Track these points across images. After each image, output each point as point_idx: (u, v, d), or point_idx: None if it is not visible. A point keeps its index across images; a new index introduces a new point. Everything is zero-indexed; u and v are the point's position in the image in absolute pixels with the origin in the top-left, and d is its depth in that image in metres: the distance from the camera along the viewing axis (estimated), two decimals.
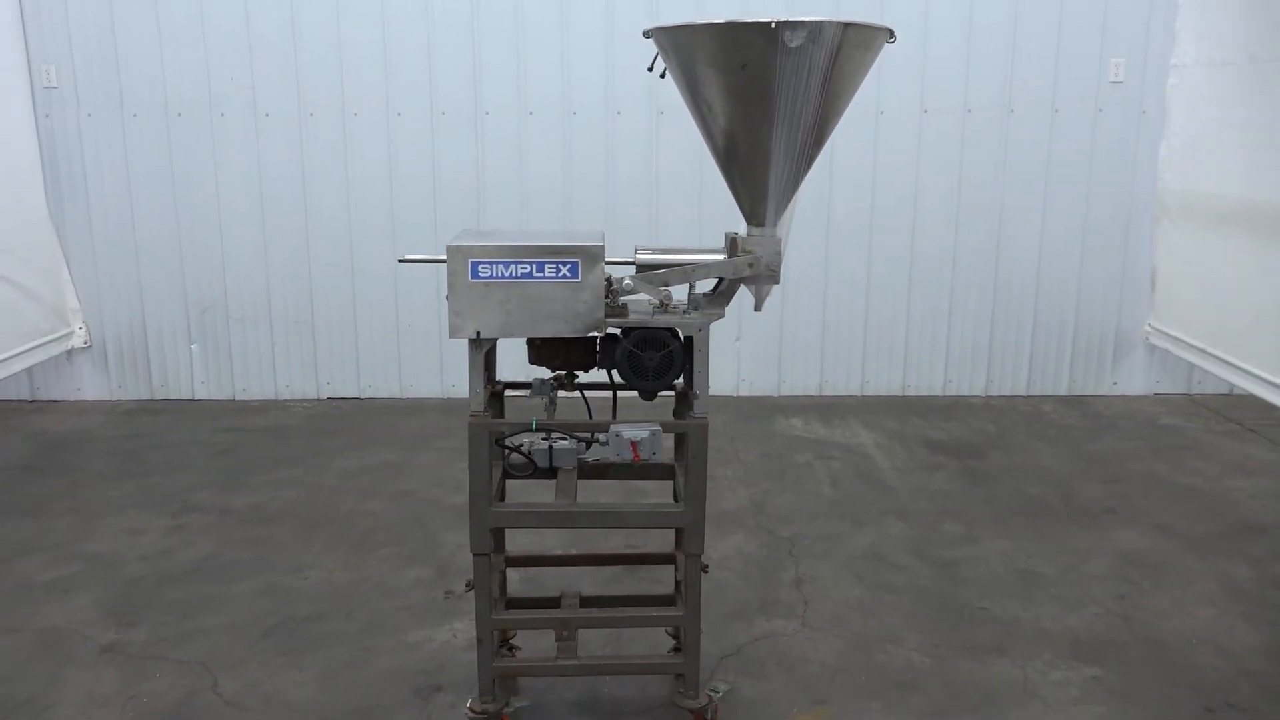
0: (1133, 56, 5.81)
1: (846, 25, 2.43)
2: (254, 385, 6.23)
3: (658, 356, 2.66)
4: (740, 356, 6.16)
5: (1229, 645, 3.38)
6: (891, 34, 2.59)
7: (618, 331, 2.67)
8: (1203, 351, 5.45)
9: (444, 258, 2.59)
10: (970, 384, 6.20)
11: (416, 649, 3.36)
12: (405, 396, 6.22)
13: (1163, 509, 4.49)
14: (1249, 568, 3.93)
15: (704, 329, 2.67)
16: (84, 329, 6.13)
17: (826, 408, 6.00)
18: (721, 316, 2.75)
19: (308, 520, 4.42)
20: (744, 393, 6.20)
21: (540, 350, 2.74)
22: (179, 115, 5.89)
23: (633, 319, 2.65)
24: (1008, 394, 6.20)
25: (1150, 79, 5.82)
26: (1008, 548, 4.12)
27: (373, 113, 5.88)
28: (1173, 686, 3.14)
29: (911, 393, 6.21)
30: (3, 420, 5.85)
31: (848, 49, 2.47)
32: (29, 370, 5.93)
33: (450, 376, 6.19)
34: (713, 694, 2.95)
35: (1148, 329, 6.04)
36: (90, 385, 6.24)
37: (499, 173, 5.93)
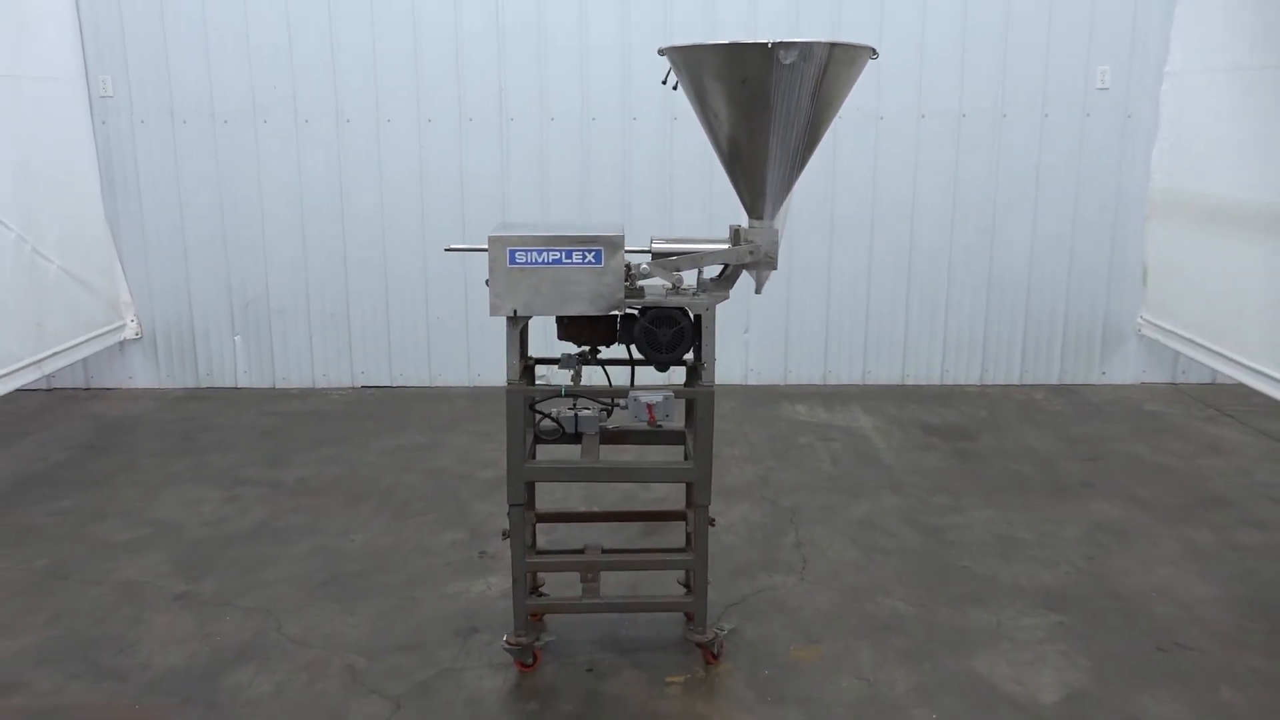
0: (1117, 65, 6.18)
1: (833, 45, 2.82)
2: (293, 374, 6.66)
3: (671, 332, 3.06)
4: (749, 348, 6.55)
5: (1183, 597, 3.75)
6: (874, 52, 2.99)
7: (636, 310, 3.07)
8: (1190, 341, 5.79)
9: (485, 247, 3.01)
10: (966, 373, 6.58)
11: (455, 598, 3.77)
12: (434, 385, 6.64)
13: (1137, 483, 4.86)
14: (1211, 533, 4.30)
15: (711, 308, 3.07)
16: (135, 321, 6.57)
17: (830, 395, 6.38)
18: (726, 298, 3.15)
19: (351, 492, 4.84)
20: (752, 382, 6.59)
21: (568, 327, 3.15)
22: (225, 122, 6.33)
23: (649, 299, 3.05)
24: (1001, 383, 6.57)
25: (1134, 86, 6.19)
26: (991, 516, 4.50)
27: (405, 119, 6.31)
28: (1129, 630, 3.52)
29: (910, 382, 6.59)
30: (62, 406, 6.29)
31: (835, 65, 2.86)
32: (84, 360, 6.36)
33: (476, 366, 6.60)
34: (719, 631, 3.35)
35: (1140, 321, 6.39)
36: (141, 374, 6.68)
37: (522, 175, 6.34)
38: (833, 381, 6.60)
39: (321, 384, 6.66)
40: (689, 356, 3.20)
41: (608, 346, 3.21)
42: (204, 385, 6.68)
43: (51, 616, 3.67)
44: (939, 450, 5.37)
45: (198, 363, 6.66)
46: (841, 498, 4.72)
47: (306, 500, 4.74)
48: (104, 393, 6.59)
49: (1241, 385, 5.28)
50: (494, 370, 6.58)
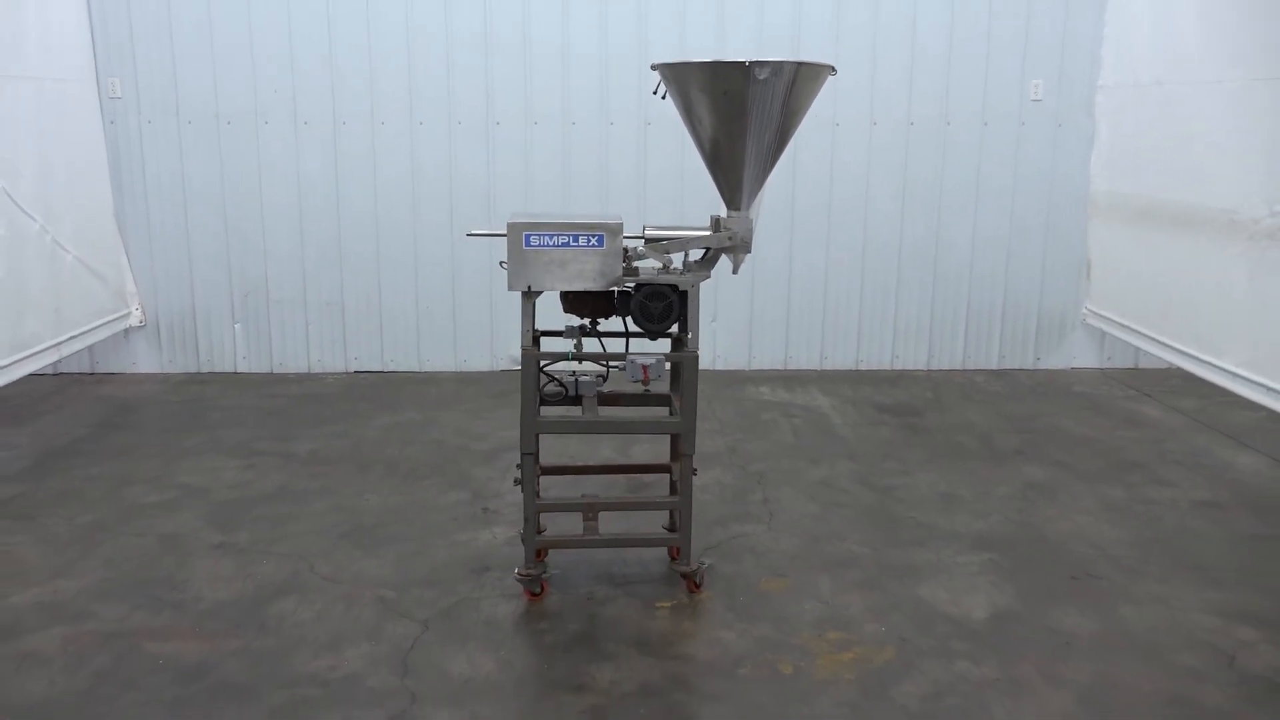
0: (1049, 79, 6.84)
1: (800, 64, 3.37)
2: (290, 360, 7.09)
3: (662, 305, 3.60)
4: (716, 335, 7.10)
5: (1096, 540, 4.36)
6: (833, 69, 3.55)
7: (631, 287, 3.60)
8: (1129, 329, 6.40)
9: (504, 232, 3.53)
10: (914, 359, 7.19)
11: (466, 545, 4.27)
12: (423, 370, 7.11)
13: (1063, 451, 5.49)
14: (1123, 490, 4.93)
15: (695, 285, 3.62)
16: (140, 310, 6.96)
17: (790, 378, 6.96)
18: (708, 277, 3.69)
19: (358, 461, 5.31)
20: (719, 366, 7.15)
21: (573, 301, 3.67)
22: (228, 123, 6.76)
23: (643, 277, 3.59)
24: (946, 368, 7.19)
25: (1064, 98, 6.85)
26: (934, 478, 5.09)
27: (398, 122, 6.78)
28: (1049, 564, 4.12)
29: (864, 366, 7.19)
30: (72, 389, 6.67)
31: (801, 80, 3.42)
32: (90, 347, 6.74)
33: (463, 353, 7.09)
34: (701, 564, 3.88)
35: (1085, 311, 7.02)
36: (144, 360, 7.08)
37: (507, 174, 6.84)
38: (793, 366, 7.17)
39: (317, 369, 7.10)
40: (674, 329, 3.74)
41: (606, 319, 3.74)
42: (205, 370, 7.08)
43: (104, 563, 4.11)
44: (889, 425, 5.96)
45: (199, 349, 7.07)
46: (803, 463, 5.28)
47: (319, 469, 5.21)
48: (109, 377, 6.98)
49: (1163, 368, 5.89)
50: (479, 356, 7.08)
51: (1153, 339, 6.10)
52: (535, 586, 3.77)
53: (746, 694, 3.22)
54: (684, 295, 3.62)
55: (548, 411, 3.78)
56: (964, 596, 3.85)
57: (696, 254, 3.74)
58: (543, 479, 3.95)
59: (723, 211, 3.69)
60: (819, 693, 3.22)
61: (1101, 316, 6.84)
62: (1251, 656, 3.45)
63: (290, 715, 3.09)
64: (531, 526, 3.70)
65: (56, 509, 4.64)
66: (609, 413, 3.89)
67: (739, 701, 3.18)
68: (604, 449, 5.32)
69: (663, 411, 3.99)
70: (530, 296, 3.57)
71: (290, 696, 3.19)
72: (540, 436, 3.70)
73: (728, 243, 3.64)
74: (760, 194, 3.66)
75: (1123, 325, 6.52)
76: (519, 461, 3.71)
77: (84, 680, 3.28)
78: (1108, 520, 4.57)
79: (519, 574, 3.76)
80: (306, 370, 7.10)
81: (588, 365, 3.76)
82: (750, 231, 3.66)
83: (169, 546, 4.27)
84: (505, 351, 7.05)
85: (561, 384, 3.76)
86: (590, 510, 3.77)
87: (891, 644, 3.52)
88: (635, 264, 3.61)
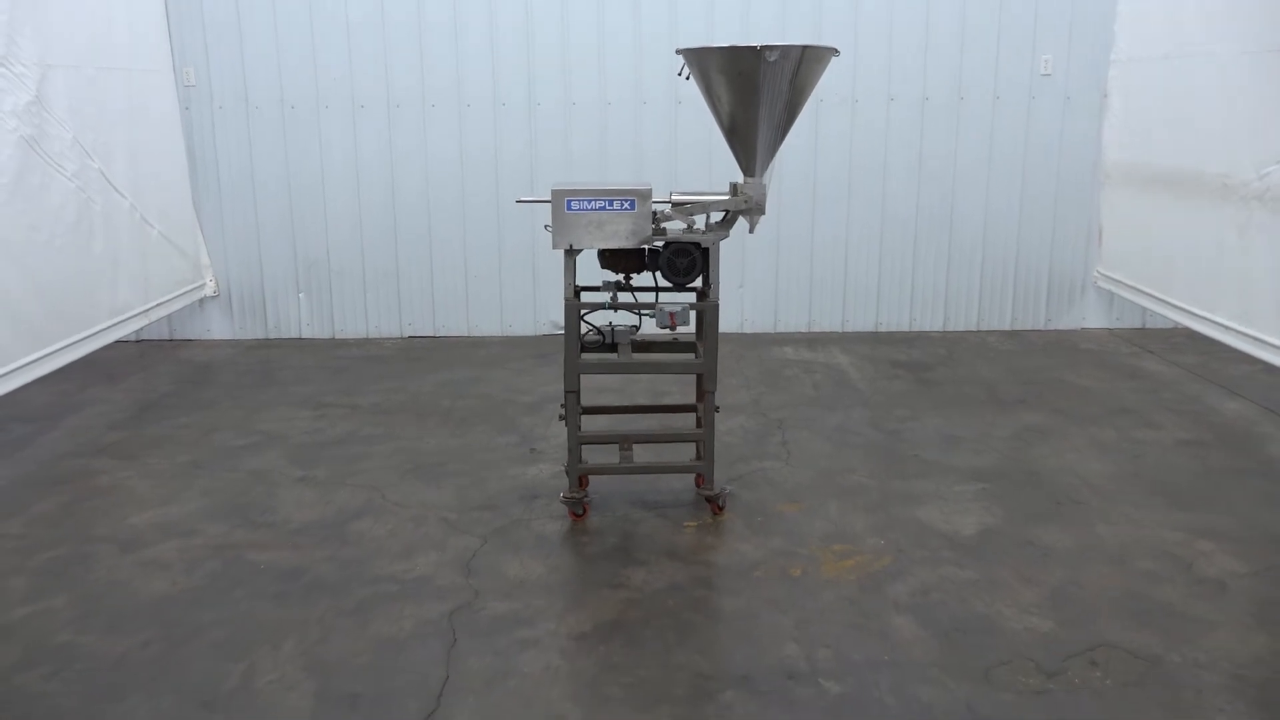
0: (1058, 54, 7.23)
1: (805, 48, 3.86)
2: (349, 326, 7.70)
3: (686, 261, 4.11)
4: (744, 301, 7.60)
5: (1082, 472, 4.83)
6: (837, 51, 4.03)
7: (660, 245, 4.12)
8: (1137, 290, 6.79)
9: (549, 199, 4.06)
10: (930, 321, 7.65)
11: (516, 478, 4.84)
12: (472, 335, 7.68)
13: (1062, 400, 5.94)
14: (1114, 432, 5.38)
15: (716, 243, 4.13)
16: (213, 281, 7.60)
17: (814, 340, 7.45)
18: (727, 236, 4.20)
19: (417, 411, 5.90)
20: (747, 330, 7.65)
21: (609, 258, 4.20)
22: (292, 108, 7.35)
23: (670, 236, 4.10)
24: (961, 329, 7.64)
25: (1073, 73, 7.24)
26: (940, 423, 5.57)
27: (447, 105, 7.34)
28: (1035, 492, 4.60)
29: (883, 329, 7.66)
30: (154, 353, 7.33)
31: (807, 62, 3.90)
32: (169, 315, 7.39)
33: (509, 318, 7.65)
34: (724, 489, 4.42)
35: (1096, 274, 7.42)
36: (218, 327, 7.72)
37: (548, 153, 7.37)
38: (816, 329, 7.66)
39: (374, 335, 7.71)
40: (698, 283, 4.26)
41: (638, 274, 4.26)
42: (272, 336, 7.72)
43: (203, 493, 4.73)
44: (903, 379, 6.44)
45: (266, 317, 7.70)
46: (820, 411, 5.79)
47: (382, 418, 5.79)
48: (186, 343, 7.63)
49: (1169, 328, 6.25)
50: (523, 321, 7.64)
51: (1157, 298, 6.49)
52: (578, 508, 4.32)
53: (760, 590, 3.75)
54: (706, 252, 4.13)
55: (587, 358, 4.31)
56: (956, 517, 4.35)
57: (717, 216, 4.25)
58: (583, 418, 4.49)
59: (740, 179, 4.19)
60: (823, 589, 3.75)
61: (1111, 279, 7.23)
62: (1207, 563, 3.91)
63: (374, 606, 3.67)
64: (575, 456, 4.25)
65: (156, 451, 5.27)
66: (641, 357, 4.42)
67: (753, 595, 3.71)
68: (638, 397, 5.86)
69: (689, 357, 4.51)
70: (572, 254, 4.11)
71: (373, 592, 3.77)
72: (581, 380, 4.24)
73: (744, 205, 4.15)
74: (773, 163, 4.16)
75: (1130, 286, 6.92)
76: (563, 402, 4.26)
77: (200, 579, 3.88)
78: (1095, 457, 5.03)
79: (564, 497, 4.31)
80: (365, 336, 7.70)
81: (623, 316, 4.29)
82: (764, 195, 4.16)
83: (257, 480, 4.87)
84: (546, 317, 7.60)
85: (600, 332, 4.29)
86: (625, 442, 4.31)
87: (889, 554, 4.03)
88: (663, 225, 4.13)
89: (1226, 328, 5.77)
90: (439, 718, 3.02)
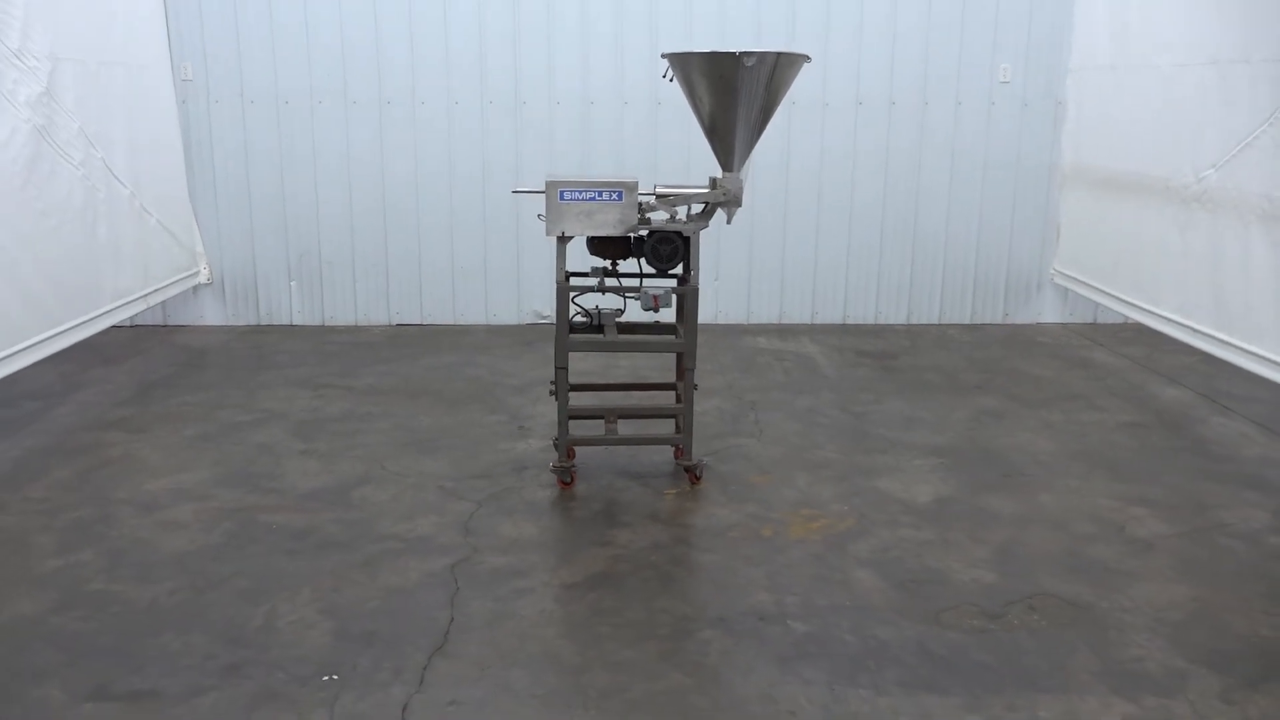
0: (1016, 63, 7.67)
1: (779, 54, 4.23)
2: (339, 313, 8.00)
3: (669, 248, 4.47)
4: (718, 293, 7.97)
5: (1031, 450, 5.24)
6: (808, 58, 4.41)
7: (645, 234, 4.48)
8: (1091, 286, 7.23)
9: (543, 189, 4.40)
10: (895, 314, 8.06)
11: (507, 451, 5.18)
12: (458, 323, 8.00)
13: (1016, 387, 6.36)
14: (1062, 415, 5.80)
15: (696, 233, 4.49)
16: (207, 269, 7.87)
17: (784, 330, 7.84)
18: (706, 226, 4.57)
19: (409, 392, 6.21)
20: (720, 321, 8.02)
21: (598, 245, 4.55)
22: (286, 103, 7.64)
23: (654, 225, 4.46)
24: (924, 322, 8.06)
25: (1030, 81, 7.68)
26: (903, 406, 5.97)
27: (436, 102, 7.65)
28: (986, 467, 5.01)
29: (850, 321, 8.06)
30: (150, 338, 7.59)
31: (780, 67, 4.28)
32: (165, 301, 7.65)
33: (493, 307, 7.98)
34: (700, 461, 4.78)
35: (1053, 271, 7.86)
36: (210, 313, 7.99)
37: (533, 149, 7.71)
38: (787, 321, 8.05)
39: (363, 322, 8.01)
40: (680, 270, 4.61)
41: (624, 260, 4.61)
42: (264, 323, 7.99)
43: (213, 463, 5.02)
44: (868, 367, 6.84)
45: (259, 304, 7.98)
46: (790, 395, 6.17)
47: (377, 397, 6.11)
48: (180, 329, 7.89)
49: (1119, 323, 6.68)
50: (507, 310, 7.97)
51: (1108, 294, 6.94)
52: (566, 477, 4.67)
53: (735, 548, 4.12)
54: (687, 240, 4.50)
55: (576, 337, 4.66)
56: (914, 487, 4.74)
57: (698, 207, 4.61)
58: (571, 394, 4.83)
59: (719, 173, 4.55)
60: (792, 547, 4.12)
61: (1066, 275, 7.68)
62: (1139, 526, 4.33)
63: (382, 560, 4.00)
64: (564, 428, 4.60)
65: (163, 426, 5.56)
66: (626, 338, 4.77)
67: (728, 552, 4.08)
68: (622, 375, 6.22)
69: (670, 337, 4.86)
70: (563, 241, 4.45)
71: (380, 548, 4.10)
72: (570, 359, 4.59)
73: (722, 198, 4.51)
74: (749, 160, 4.52)
75: (1083, 283, 7.37)
76: (554, 379, 4.60)
77: (217, 538, 4.19)
78: (1044, 436, 5.45)
79: (553, 466, 4.66)
80: (354, 323, 8.00)
81: (610, 299, 4.64)
82: (741, 189, 4.53)
83: (264, 451, 5.18)
84: (530, 307, 7.93)
85: (588, 314, 4.64)
86: (610, 415, 4.66)
87: (852, 518, 4.41)
88: (648, 215, 4.49)
89: (1169, 320, 6.21)
90: (448, 651, 3.36)
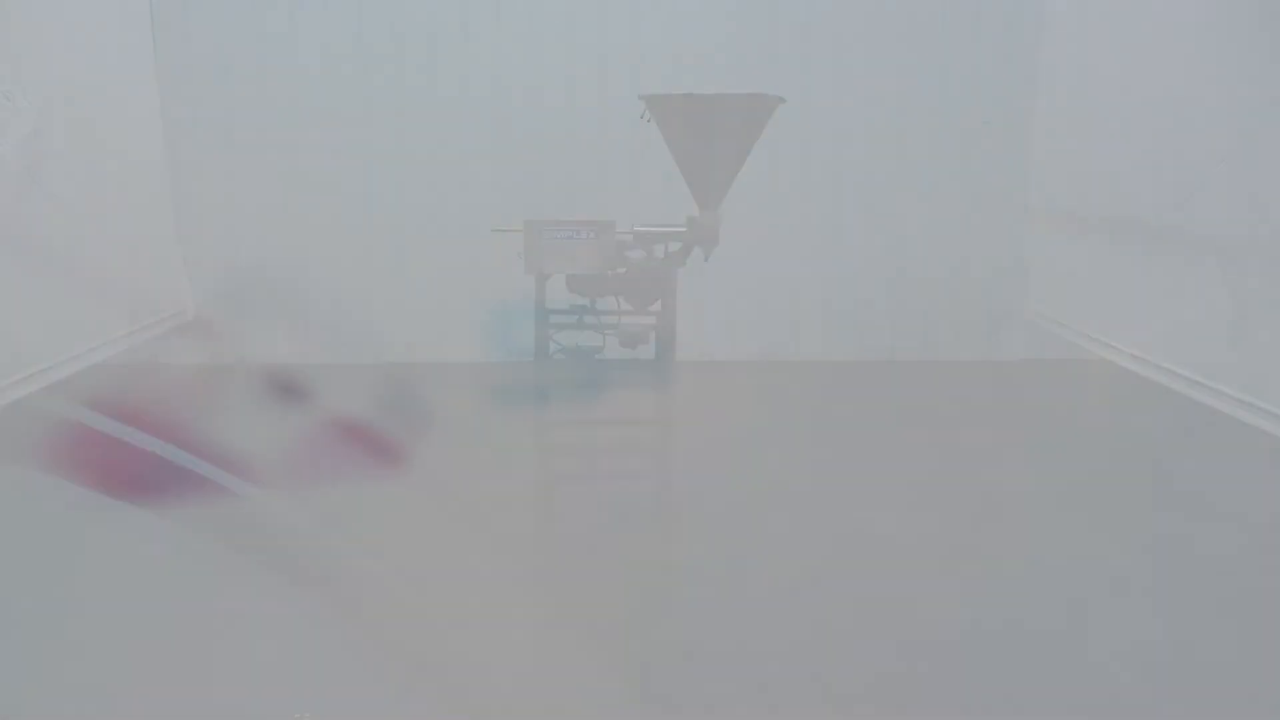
0: (990, 102, 7.86)
1: (755, 96, 4.37)
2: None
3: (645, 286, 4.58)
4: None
5: None
6: (784, 99, 4.56)
7: (622, 271, 4.59)
8: (1061, 323, 7.36)
9: (520, 229, 4.52)
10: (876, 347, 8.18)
11: None
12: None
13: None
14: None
15: (673, 271, 4.60)
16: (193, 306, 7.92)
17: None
18: (684, 264, 4.68)
19: None
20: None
21: (576, 283, 4.65)
22: (274, 144, 7.74)
23: (632, 263, 4.57)
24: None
25: (1004, 118, 7.85)
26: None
27: (423, 146, 7.77)
28: None
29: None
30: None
31: (757, 108, 4.41)
32: (148, 339, 7.69)
33: None
34: None
35: (1026, 306, 7.99)
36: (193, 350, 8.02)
37: (516, 185, 7.80)
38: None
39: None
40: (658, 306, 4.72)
41: (602, 297, 4.72)
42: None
43: None
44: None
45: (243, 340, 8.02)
46: None
47: None
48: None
49: (1092, 359, 6.80)
50: None
51: (1078, 331, 7.08)
52: None
53: None
54: (665, 278, 4.61)
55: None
56: None
57: (675, 246, 4.73)
58: None
59: (696, 211, 4.68)
60: None
61: (1039, 312, 7.81)
62: None
63: None
64: None
65: None
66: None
67: None
68: None
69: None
70: (544, 277, 4.56)
71: None
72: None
73: (699, 237, 4.63)
74: (724, 198, 4.65)
75: (1055, 320, 7.50)
76: None
77: None
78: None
79: None
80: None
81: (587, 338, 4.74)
82: (717, 230, 4.65)
83: None
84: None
85: (564, 351, 4.73)
86: None
87: None
88: (626, 253, 4.60)
89: (1135, 357, 6.36)
90: None
